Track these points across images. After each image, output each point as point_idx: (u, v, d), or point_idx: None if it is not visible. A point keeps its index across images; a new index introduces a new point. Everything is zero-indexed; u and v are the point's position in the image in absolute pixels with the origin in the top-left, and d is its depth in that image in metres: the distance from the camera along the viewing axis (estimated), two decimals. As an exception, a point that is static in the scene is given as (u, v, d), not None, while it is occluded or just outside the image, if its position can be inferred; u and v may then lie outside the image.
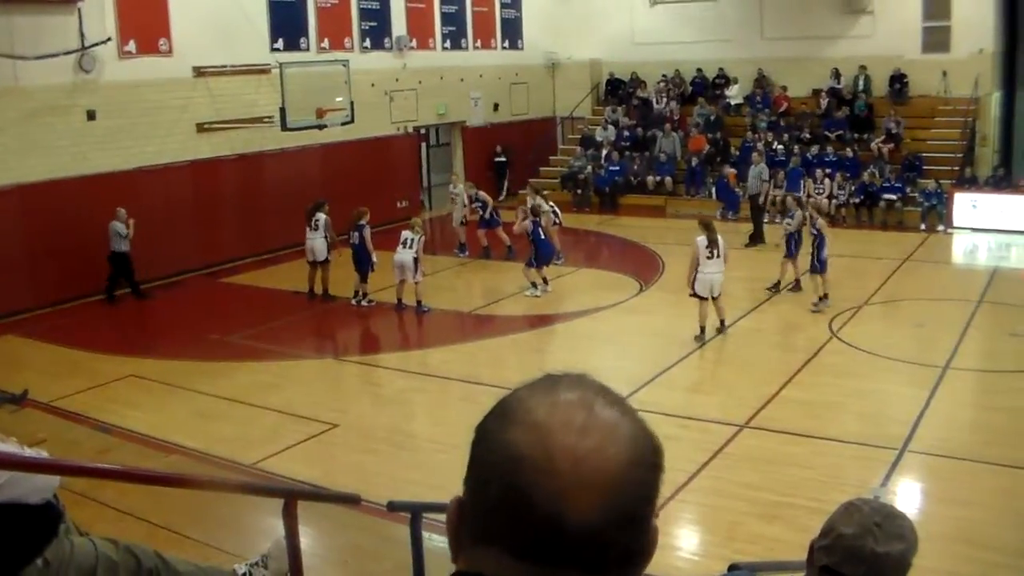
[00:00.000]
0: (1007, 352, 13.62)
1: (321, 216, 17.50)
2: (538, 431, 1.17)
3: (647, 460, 1.21)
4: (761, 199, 21.96)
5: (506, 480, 1.16)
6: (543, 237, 17.42)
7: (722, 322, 14.66)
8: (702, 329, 14.37)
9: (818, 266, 15.81)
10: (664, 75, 29.67)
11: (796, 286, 16.84)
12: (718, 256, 14.33)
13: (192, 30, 19.41)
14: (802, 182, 24.25)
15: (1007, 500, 8.98)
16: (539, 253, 17.28)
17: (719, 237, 14.51)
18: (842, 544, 2.38)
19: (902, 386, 12.46)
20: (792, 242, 16.73)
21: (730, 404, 11.69)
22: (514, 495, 1.15)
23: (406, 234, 16.65)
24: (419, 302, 16.37)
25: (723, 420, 11.14)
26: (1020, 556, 7.94)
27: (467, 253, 20.68)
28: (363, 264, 16.74)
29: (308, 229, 17.53)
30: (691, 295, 14.49)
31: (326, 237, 17.38)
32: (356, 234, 16.71)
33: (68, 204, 17.22)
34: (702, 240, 14.36)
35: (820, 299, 15.79)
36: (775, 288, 16.88)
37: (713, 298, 14.40)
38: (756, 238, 21.41)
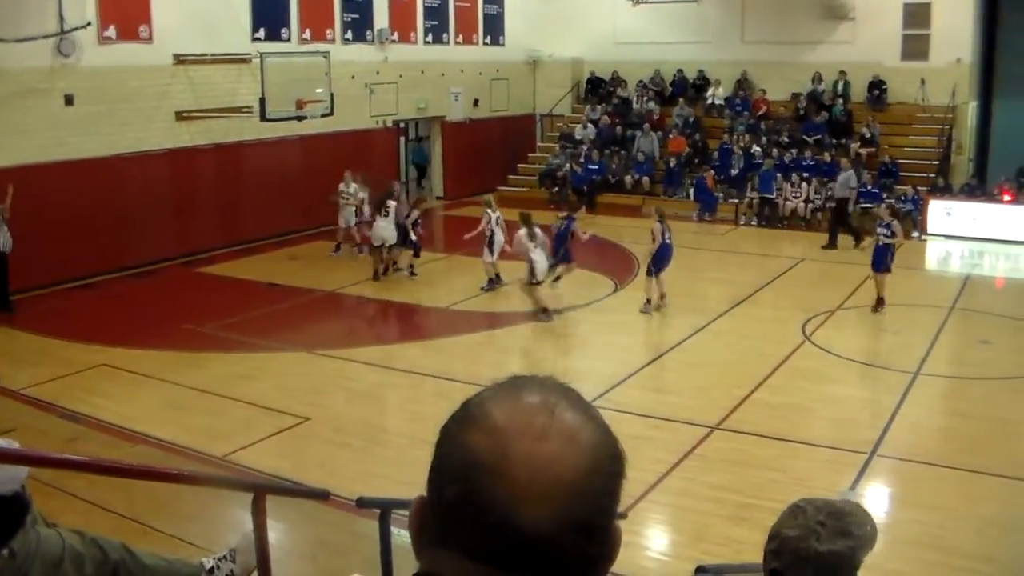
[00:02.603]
0: (977, 359, 13.74)
1: (392, 203, 17.85)
2: (497, 435, 1.17)
3: (607, 468, 1.19)
4: (849, 207, 22.08)
5: (463, 484, 1.16)
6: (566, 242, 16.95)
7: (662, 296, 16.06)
8: (648, 301, 16.00)
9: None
10: (641, 80, 29.72)
11: (878, 304, 15.92)
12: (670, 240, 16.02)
13: (173, 17, 19.30)
14: (774, 184, 24.37)
15: (971, 505, 9.07)
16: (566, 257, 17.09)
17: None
18: (787, 547, 2.39)
19: (873, 391, 12.57)
20: (887, 255, 15.97)
21: (702, 405, 11.73)
22: (471, 499, 1.15)
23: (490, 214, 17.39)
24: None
25: (694, 421, 11.18)
26: (983, 560, 8.03)
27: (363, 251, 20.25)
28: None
29: (377, 215, 17.88)
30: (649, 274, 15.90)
31: (399, 223, 17.87)
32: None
33: (45, 189, 17.09)
34: (658, 227, 15.88)
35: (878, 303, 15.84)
36: (879, 307, 15.85)
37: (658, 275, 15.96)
38: (835, 241, 21.49)
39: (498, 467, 1.15)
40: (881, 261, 15.94)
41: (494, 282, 17.43)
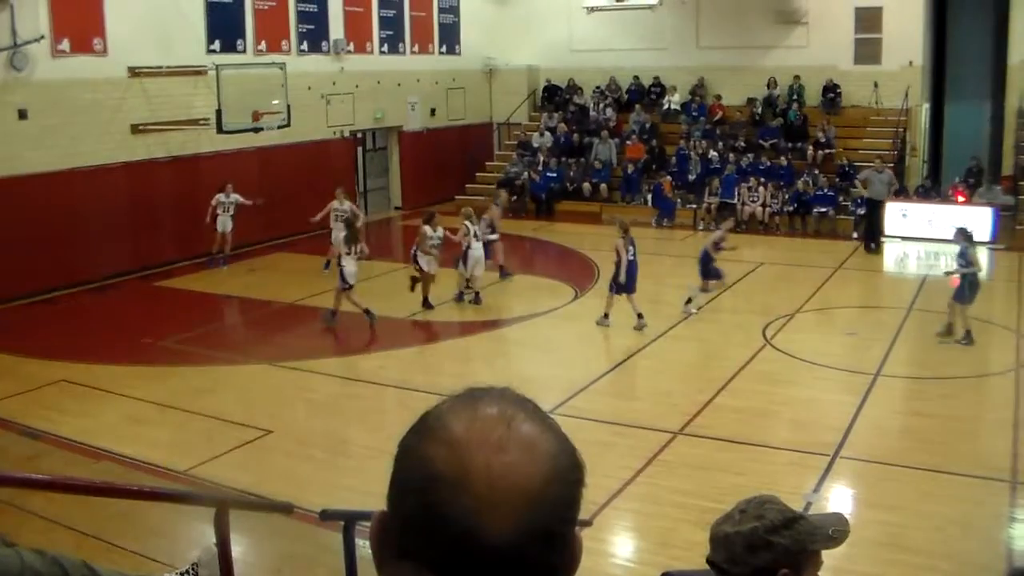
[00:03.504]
0: (935, 359, 13.89)
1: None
2: (454, 447, 1.17)
3: (566, 477, 1.20)
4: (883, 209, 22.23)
5: (422, 497, 1.16)
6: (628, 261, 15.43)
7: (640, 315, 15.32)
8: (606, 315, 15.51)
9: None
10: (598, 87, 29.84)
11: (967, 338, 14.43)
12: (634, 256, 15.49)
13: (127, 30, 19.14)
14: (736, 189, 24.53)
15: (931, 504, 9.18)
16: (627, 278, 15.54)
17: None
18: (710, 535, 2.53)
19: (834, 393, 12.66)
20: (966, 285, 14.60)
21: (664, 411, 11.77)
22: (430, 512, 1.15)
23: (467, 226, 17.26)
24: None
25: (657, 427, 11.21)
26: (941, 558, 8.13)
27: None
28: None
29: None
30: (615, 291, 15.35)
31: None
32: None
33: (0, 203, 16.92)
34: (621, 242, 15.30)
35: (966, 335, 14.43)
36: (947, 333, 14.67)
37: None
38: (872, 242, 21.68)
39: (458, 479, 1.15)
40: (961, 292, 14.60)
41: (464, 294, 17.36)
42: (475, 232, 17.25)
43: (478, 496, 1.14)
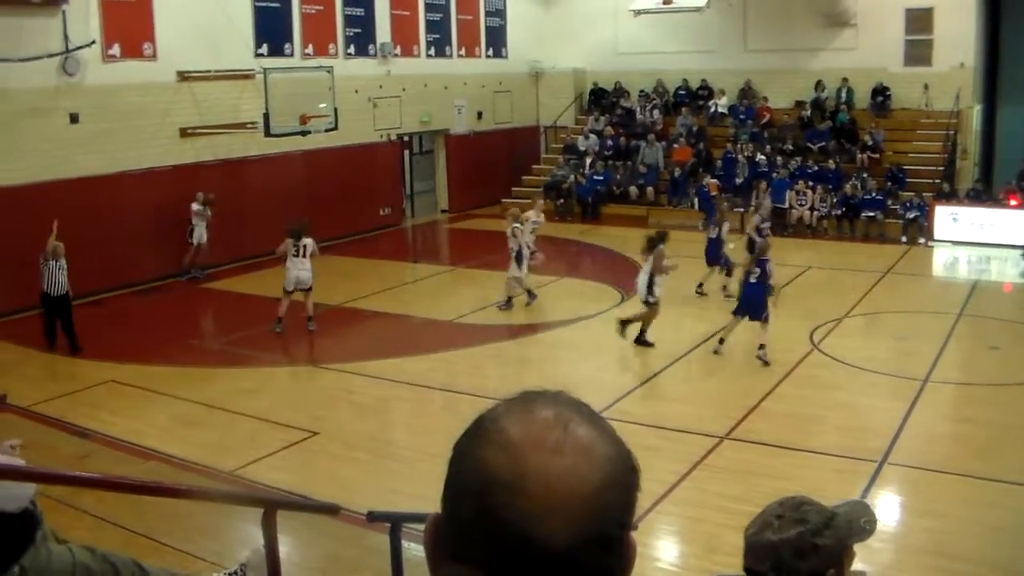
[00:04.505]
0: (985, 365, 13.71)
1: (307, 240, 16.03)
2: (511, 451, 1.17)
3: (622, 481, 1.20)
4: None
5: (479, 500, 1.16)
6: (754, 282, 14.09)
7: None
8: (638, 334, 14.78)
9: None
10: (643, 90, 29.75)
11: None
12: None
13: (176, 34, 19.37)
14: (786, 194, 24.34)
15: (978, 511, 9.05)
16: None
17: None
18: (749, 543, 2.47)
19: (882, 399, 12.51)
20: None
21: (711, 415, 11.70)
22: (486, 515, 1.15)
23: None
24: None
25: (704, 431, 11.15)
26: (988, 567, 8.01)
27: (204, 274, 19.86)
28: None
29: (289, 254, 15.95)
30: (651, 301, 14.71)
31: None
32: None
33: (51, 207, 17.11)
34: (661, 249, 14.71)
35: None
36: None
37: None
38: None
39: (514, 482, 1.15)
40: None
41: (513, 300, 17.24)
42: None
43: (535, 499, 1.14)
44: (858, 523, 2.45)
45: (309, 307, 15.73)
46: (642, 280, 14.68)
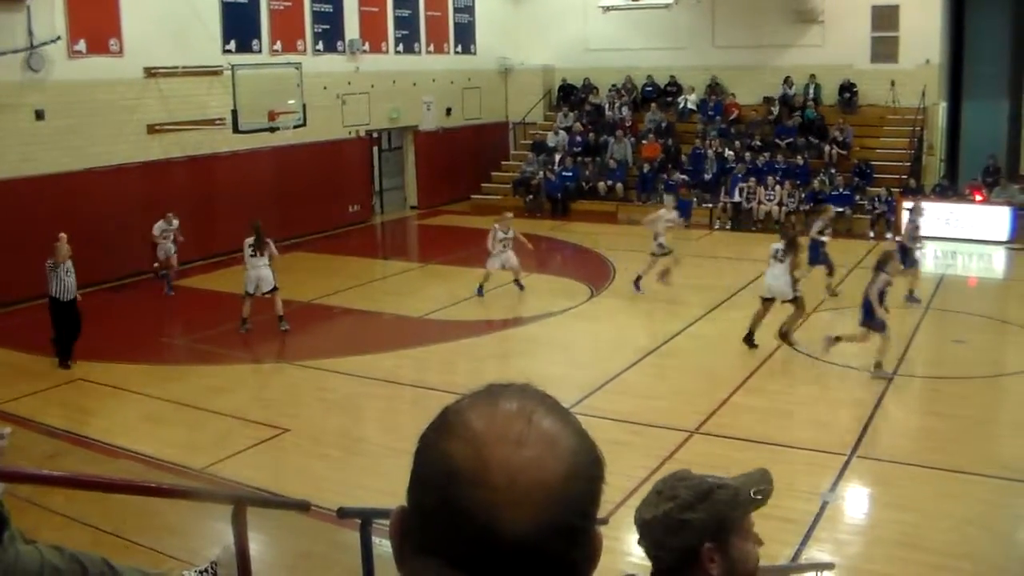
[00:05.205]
0: (951, 359, 13.84)
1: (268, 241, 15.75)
2: (475, 443, 1.17)
3: (587, 472, 1.20)
4: None
5: (443, 492, 1.16)
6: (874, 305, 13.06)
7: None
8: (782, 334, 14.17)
9: None
10: (614, 85, 29.80)
11: None
12: (779, 260, 14.22)
13: (143, 30, 19.24)
14: (737, 189, 24.59)
15: (946, 503, 9.16)
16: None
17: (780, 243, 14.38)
18: (635, 523, 2.42)
19: (851, 392, 12.62)
20: None
21: (680, 410, 11.75)
22: (450, 507, 1.15)
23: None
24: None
25: (673, 426, 11.20)
26: (956, 558, 8.10)
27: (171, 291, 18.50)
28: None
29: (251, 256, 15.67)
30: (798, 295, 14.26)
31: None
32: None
33: (16, 204, 16.99)
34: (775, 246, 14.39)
35: None
36: None
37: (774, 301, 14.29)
38: None
39: (477, 474, 1.15)
40: None
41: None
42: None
43: (498, 491, 1.14)
44: (746, 493, 2.38)
45: (278, 307, 15.62)
46: (783, 279, 14.25)
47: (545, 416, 1.21)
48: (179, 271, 18.73)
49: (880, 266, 13.22)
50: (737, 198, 24.61)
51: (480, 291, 17.38)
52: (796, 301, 14.22)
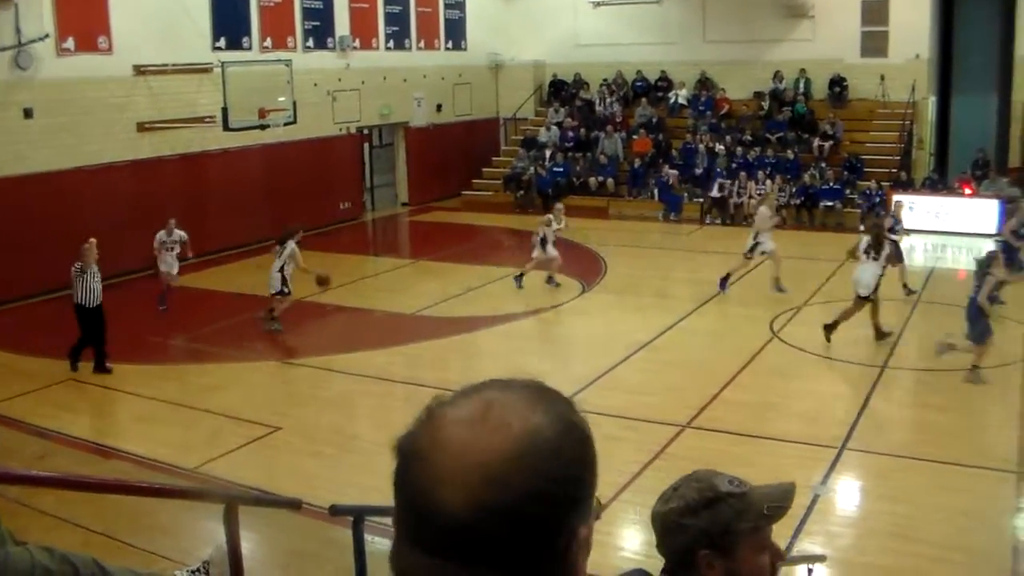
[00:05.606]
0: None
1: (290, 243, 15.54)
2: (435, 424, 1.19)
3: (539, 461, 1.16)
4: None
5: (402, 470, 1.19)
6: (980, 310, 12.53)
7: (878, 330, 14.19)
8: (879, 331, 14.14)
9: None
10: (605, 79, 29.79)
11: None
12: (872, 258, 14.15)
13: (132, 28, 19.18)
14: (715, 184, 24.80)
15: (939, 496, 9.20)
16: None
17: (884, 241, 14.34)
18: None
19: (842, 386, 12.67)
20: None
21: (672, 405, 11.77)
22: (404, 485, 1.18)
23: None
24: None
25: (665, 420, 11.22)
26: (949, 549, 8.15)
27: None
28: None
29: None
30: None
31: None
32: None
33: (4, 204, 16.93)
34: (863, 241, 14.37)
35: None
36: None
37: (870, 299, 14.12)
38: None
39: (426, 452, 1.17)
40: None
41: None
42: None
43: (439, 468, 1.15)
44: (759, 509, 2.33)
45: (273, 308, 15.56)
46: (870, 275, 14.09)
47: (516, 402, 1.21)
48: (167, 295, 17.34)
49: (984, 268, 12.69)
50: (716, 193, 24.64)
51: (552, 281, 17.81)
52: (868, 299, 14.08)
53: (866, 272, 14.10)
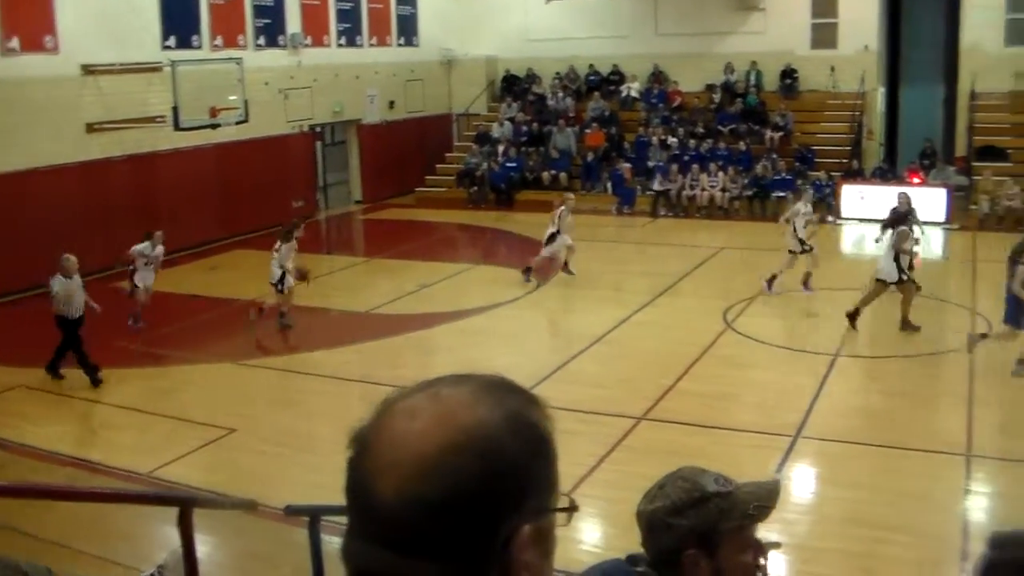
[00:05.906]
0: (891, 339, 14.05)
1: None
2: (384, 415, 1.21)
3: (478, 457, 1.15)
4: None
5: (349, 461, 1.21)
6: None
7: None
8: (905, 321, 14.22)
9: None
10: (558, 73, 29.82)
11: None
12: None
13: (79, 27, 18.94)
14: (657, 177, 25.03)
15: (890, 480, 9.37)
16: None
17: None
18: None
19: (795, 375, 12.79)
20: None
21: (628, 397, 11.84)
22: (350, 475, 1.20)
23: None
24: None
25: (621, 413, 11.28)
26: (901, 531, 8.30)
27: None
28: None
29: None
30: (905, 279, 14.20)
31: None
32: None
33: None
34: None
35: None
36: None
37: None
38: None
39: (371, 444, 1.19)
40: None
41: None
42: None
43: (379, 459, 1.17)
44: (745, 508, 2.35)
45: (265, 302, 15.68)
46: (888, 263, 14.20)
47: (464, 395, 1.21)
48: (121, 271, 17.46)
49: (1016, 258, 12.17)
50: (658, 187, 24.78)
51: (569, 268, 17.79)
52: (902, 284, 14.18)
53: (886, 259, 14.28)
